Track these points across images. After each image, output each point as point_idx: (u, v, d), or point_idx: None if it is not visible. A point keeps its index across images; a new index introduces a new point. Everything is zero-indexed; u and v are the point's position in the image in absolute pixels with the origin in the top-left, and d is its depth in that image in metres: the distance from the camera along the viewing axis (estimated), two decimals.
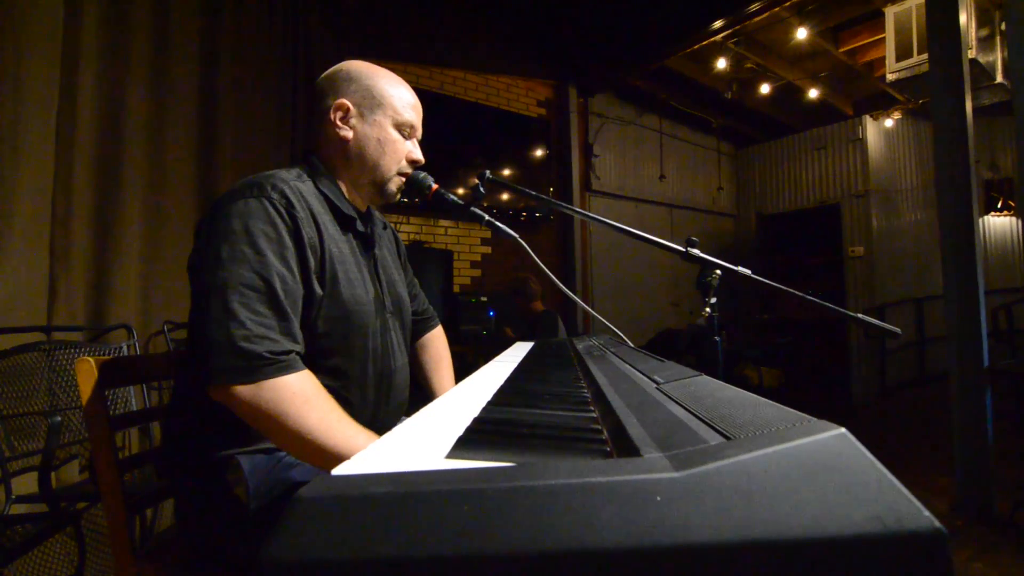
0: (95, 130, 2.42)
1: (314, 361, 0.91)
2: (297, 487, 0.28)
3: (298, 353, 0.82)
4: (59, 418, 1.47)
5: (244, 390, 0.76)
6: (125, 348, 2.22)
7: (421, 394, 1.29)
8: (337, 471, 0.35)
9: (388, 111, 1.02)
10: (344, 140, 1.01)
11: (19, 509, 1.66)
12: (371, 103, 1.02)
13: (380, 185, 1.05)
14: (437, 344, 1.37)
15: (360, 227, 1.03)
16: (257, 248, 0.82)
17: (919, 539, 0.24)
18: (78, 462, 2.15)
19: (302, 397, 0.78)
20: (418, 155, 1.08)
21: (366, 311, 0.97)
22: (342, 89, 1.02)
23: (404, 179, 1.08)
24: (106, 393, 0.98)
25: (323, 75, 1.05)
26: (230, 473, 0.88)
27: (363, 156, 1.02)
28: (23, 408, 1.87)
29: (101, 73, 2.44)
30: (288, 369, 0.78)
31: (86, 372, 0.96)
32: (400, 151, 1.05)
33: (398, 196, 1.09)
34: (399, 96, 1.04)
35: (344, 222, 1.00)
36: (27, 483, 1.81)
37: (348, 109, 1.01)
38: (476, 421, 0.54)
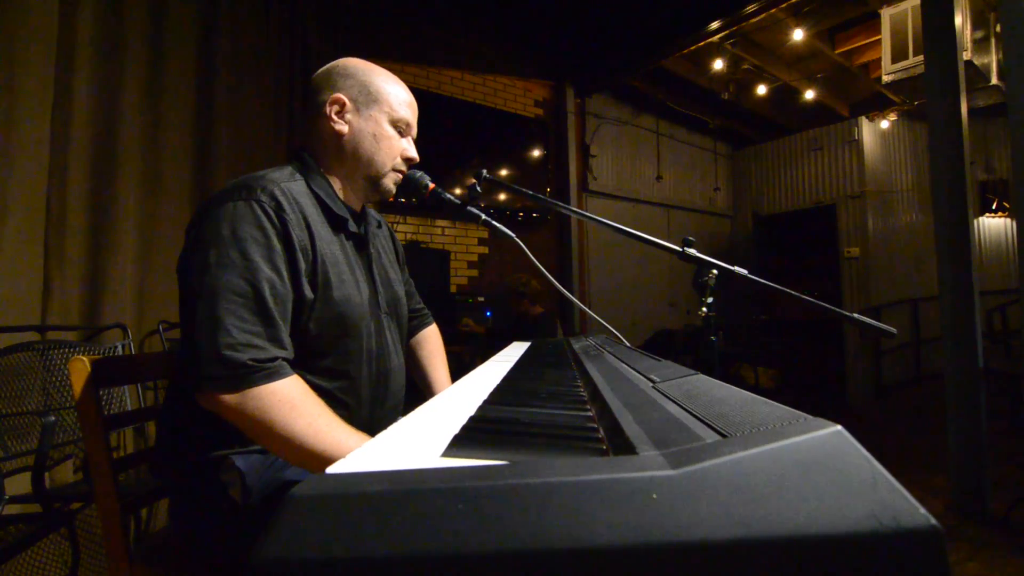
0: (90, 129, 2.41)
1: (309, 363, 0.91)
2: (292, 487, 0.28)
3: (285, 359, 0.82)
4: (53, 418, 1.46)
5: (229, 398, 0.76)
6: (120, 348, 2.21)
7: (417, 393, 1.28)
8: (331, 469, 0.35)
9: (384, 107, 1.02)
10: (339, 135, 1.01)
11: (13, 510, 1.65)
12: (367, 99, 1.01)
13: (375, 181, 1.04)
14: (432, 340, 1.37)
15: (352, 227, 1.02)
16: (245, 253, 0.82)
17: (915, 537, 0.24)
18: (72, 462, 2.14)
19: (288, 404, 0.77)
20: (413, 152, 1.07)
21: (359, 312, 0.96)
22: (339, 84, 1.01)
23: (399, 176, 1.07)
24: (100, 393, 0.98)
25: (319, 70, 1.05)
26: (225, 473, 0.87)
27: (358, 151, 1.02)
28: (17, 408, 1.86)
29: (96, 72, 2.43)
30: (274, 376, 0.78)
31: (80, 371, 0.95)
32: (395, 147, 1.05)
33: (393, 193, 1.09)
34: (395, 93, 1.04)
35: (336, 222, 0.99)
36: (21, 483, 1.80)
37: (344, 104, 1.00)
38: (472, 420, 0.54)
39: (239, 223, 0.83)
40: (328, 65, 1.05)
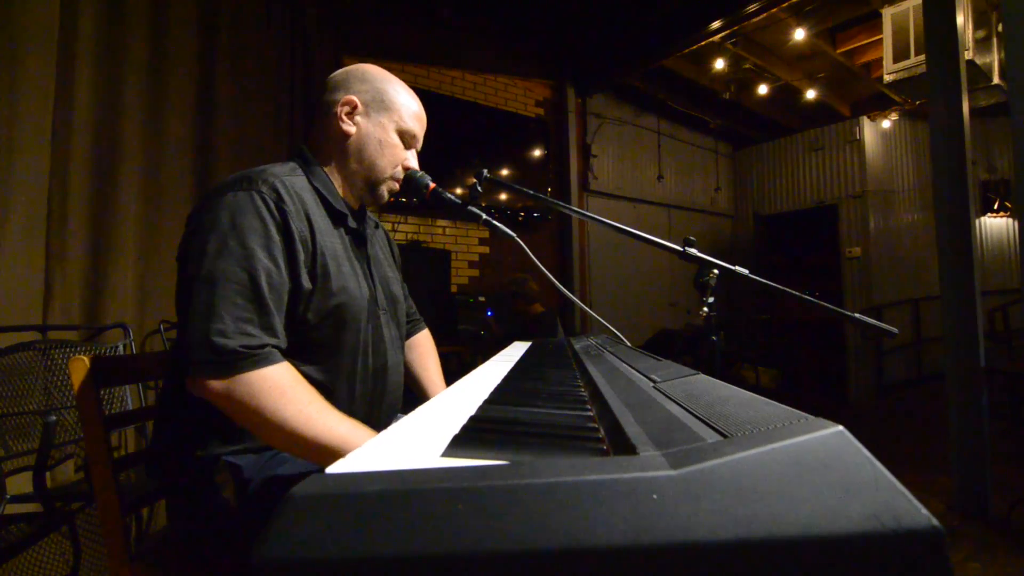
0: (91, 128, 2.41)
1: (305, 356, 0.91)
2: (287, 486, 0.28)
3: (276, 347, 0.82)
4: (54, 417, 1.46)
5: (218, 384, 0.77)
6: (121, 347, 2.21)
7: (411, 397, 1.28)
8: (331, 469, 0.34)
9: (394, 116, 1.05)
10: (346, 135, 1.02)
11: (14, 509, 1.65)
12: (379, 105, 1.04)
13: (373, 186, 1.06)
14: (425, 344, 1.37)
15: (352, 223, 1.04)
16: (244, 243, 0.82)
17: (917, 537, 0.24)
18: (73, 462, 2.14)
19: (278, 390, 0.78)
20: (414, 164, 1.10)
21: (358, 306, 0.97)
22: (353, 87, 1.04)
23: (396, 185, 1.09)
24: (101, 392, 0.98)
25: (337, 71, 1.08)
26: (218, 474, 0.87)
27: (362, 153, 1.03)
28: (18, 407, 1.86)
29: (97, 71, 2.43)
30: (263, 363, 0.78)
31: (81, 371, 0.95)
32: (398, 156, 1.07)
33: (386, 200, 1.10)
34: (407, 104, 1.07)
35: (336, 217, 1.01)
36: (22, 483, 1.80)
37: (356, 106, 1.02)
38: (472, 419, 0.54)
39: (239, 213, 0.84)
40: (347, 67, 1.08)
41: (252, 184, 0.87)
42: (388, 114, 1.04)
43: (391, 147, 1.05)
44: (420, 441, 0.47)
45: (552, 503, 0.26)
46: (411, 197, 1.14)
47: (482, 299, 4.02)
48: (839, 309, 1.00)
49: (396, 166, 1.07)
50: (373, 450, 0.43)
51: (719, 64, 5.03)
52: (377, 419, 1.03)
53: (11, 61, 2.11)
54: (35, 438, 1.84)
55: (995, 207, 6.21)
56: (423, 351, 1.36)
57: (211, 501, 0.88)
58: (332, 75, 1.07)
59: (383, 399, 1.05)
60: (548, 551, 0.25)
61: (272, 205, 0.87)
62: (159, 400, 1.00)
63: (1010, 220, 6.20)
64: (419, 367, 1.33)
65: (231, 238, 0.82)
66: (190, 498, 0.91)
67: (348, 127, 1.02)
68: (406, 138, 1.07)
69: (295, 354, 0.87)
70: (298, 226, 0.89)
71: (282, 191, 0.89)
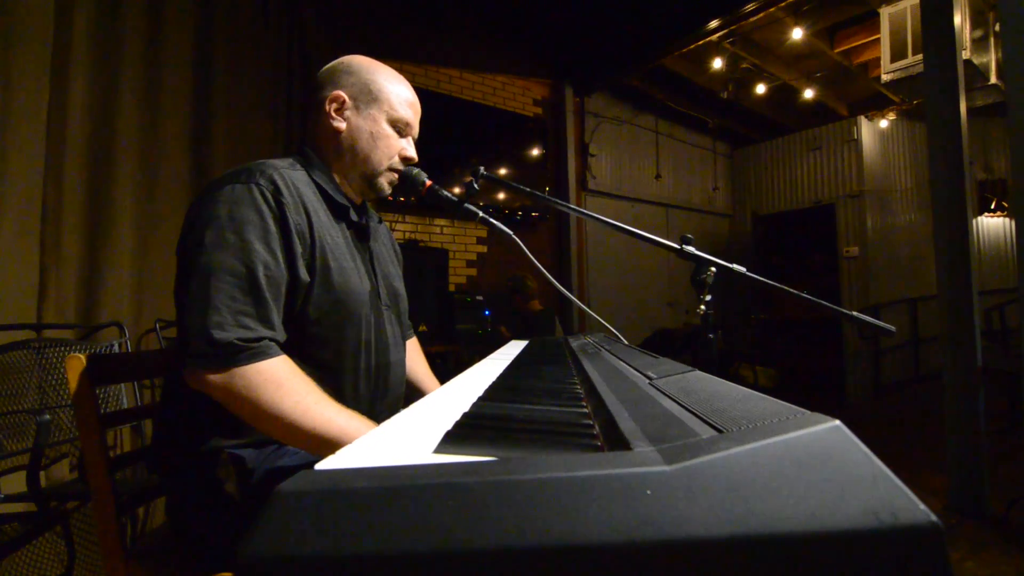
0: (86, 126, 2.40)
1: (306, 352, 0.90)
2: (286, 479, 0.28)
3: (274, 340, 0.82)
4: (48, 416, 1.46)
5: (216, 378, 0.77)
6: (116, 346, 2.20)
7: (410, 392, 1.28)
8: (320, 465, 0.34)
9: (384, 106, 1.03)
10: (337, 131, 1.01)
11: (8, 508, 1.64)
12: (367, 97, 1.02)
13: (370, 179, 1.05)
14: (413, 348, 1.36)
15: (354, 217, 1.03)
16: (241, 235, 0.82)
17: (915, 533, 0.24)
18: (68, 461, 2.13)
19: (275, 383, 0.78)
20: (411, 152, 1.08)
21: (359, 300, 0.96)
22: (340, 81, 1.02)
23: (396, 175, 1.07)
24: (97, 391, 0.97)
25: (325, 67, 1.06)
26: (220, 468, 0.87)
27: (355, 148, 1.02)
28: (12, 406, 1.85)
29: (92, 68, 2.42)
30: (260, 356, 0.78)
31: (76, 369, 0.94)
32: (393, 146, 1.05)
33: (389, 192, 1.09)
34: (396, 92, 1.04)
35: (337, 211, 1.00)
36: (17, 482, 1.79)
37: (344, 101, 1.01)
38: (466, 416, 0.53)
39: (237, 205, 0.84)
40: (334, 62, 1.06)
41: (250, 177, 0.87)
42: (377, 105, 1.02)
43: (384, 138, 1.03)
44: (413, 437, 0.46)
45: (543, 499, 0.26)
46: (408, 195, 1.13)
47: (480, 298, 4.02)
48: (837, 307, 1.00)
49: (392, 157, 1.05)
50: (364, 446, 0.42)
51: (717, 63, 5.03)
52: (379, 416, 1.02)
53: (5, 57, 2.09)
54: (29, 437, 1.83)
55: (992, 207, 6.23)
56: (414, 356, 1.35)
57: (213, 494, 0.87)
58: (320, 71, 1.06)
59: (386, 396, 1.04)
60: (539, 548, 0.25)
61: (270, 197, 0.86)
62: (162, 392, 0.99)
63: (1007, 220, 6.22)
64: (412, 369, 1.32)
65: (228, 231, 0.82)
66: (192, 492, 0.91)
67: (338, 123, 1.01)
68: (399, 127, 1.05)
69: (300, 352, 0.87)
70: (295, 219, 0.88)
71: (280, 184, 0.89)
